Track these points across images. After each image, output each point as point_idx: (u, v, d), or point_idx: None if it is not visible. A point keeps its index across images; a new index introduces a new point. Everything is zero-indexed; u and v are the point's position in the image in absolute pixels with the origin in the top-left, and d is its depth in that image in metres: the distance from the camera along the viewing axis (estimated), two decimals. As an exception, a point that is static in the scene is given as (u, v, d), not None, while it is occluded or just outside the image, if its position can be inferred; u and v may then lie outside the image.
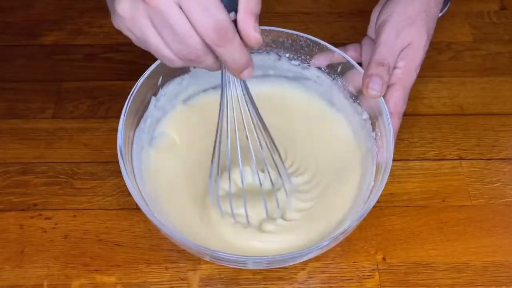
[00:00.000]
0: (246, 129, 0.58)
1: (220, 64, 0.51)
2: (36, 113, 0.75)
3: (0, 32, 0.83)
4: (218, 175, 0.61)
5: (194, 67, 0.70)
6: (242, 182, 0.61)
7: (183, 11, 0.46)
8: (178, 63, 0.51)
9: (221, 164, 0.60)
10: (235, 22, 0.48)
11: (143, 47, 0.51)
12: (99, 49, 0.82)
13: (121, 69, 0.79)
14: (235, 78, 0.54)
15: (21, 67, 0.80)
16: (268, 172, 0.61)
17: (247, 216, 0.61)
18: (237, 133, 0.58)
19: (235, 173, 0.63)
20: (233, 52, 0.49)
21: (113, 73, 0.79)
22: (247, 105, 0.57)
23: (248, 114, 0.58)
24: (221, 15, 0.46)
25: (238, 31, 0.48)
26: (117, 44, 0.82)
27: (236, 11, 0.48)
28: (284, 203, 0.63)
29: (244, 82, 0.56)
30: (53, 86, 0.78)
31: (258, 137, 0.59)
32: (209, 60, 0.50)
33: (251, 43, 0.49)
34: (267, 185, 0.63)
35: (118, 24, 0.50)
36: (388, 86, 0.65)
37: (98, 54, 0.81)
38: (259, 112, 0.59)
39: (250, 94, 0.57)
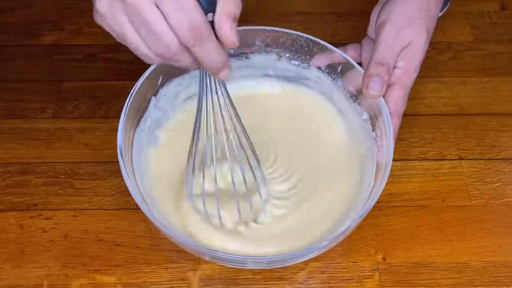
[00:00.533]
0: (223, 129, 0.59)
1: (198, 63, 0.52)
2: (36, 113, 0.75)
3: (0, 32, 0.83)
4: (193, 173, 0.62)
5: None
6: (216, 181, 0.61)
7: (160, 10, 0.47)
8: (156, 60, 0.51)
9: (198, 162, 0.61)
10: (212, 23, 0.49)
11: (123, 44, 0.52)
12: (99, 49, 0.82)
13: (121, 69, 0.79)
14: (214, 79, 0.55)
15: (21, 67, 0.80)
16: (243, 174, 0.61)
17: (219, 216, 0.61)
18: (213, 132, 0.59)
19: (210, 173, 0.63)
20: (208, 52, 0.49)
21: (113, 73, 0.79)
22: (226, 105, 0.58)
23: (227, 115, 0.59)
24: (196, 15, 0.47)
25: (215, 32, 0.49)
26: (117, 44, 0.81)
27: (214, 12, 0.48)
28: (259, 207, 0.64)
29: (223, 82, 0.56)
30: (53, 86, 0.78)
31: (234, 138, 0.60)
32: (186, 59, 0.50)
33: (227, 44, 0.50)
34: (244, 188, 0.62)
35: (98, 20, 0.51)
36: (388, 86, 0.65)
37: (98, 54, 0.81)
38: (237, 114, 0.60)
39: (229, 95, 0.58)
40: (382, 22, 0.67)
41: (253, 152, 0.63)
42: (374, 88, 0.63)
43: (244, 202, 0.62)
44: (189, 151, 0.61)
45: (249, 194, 0.62)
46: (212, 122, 0.59)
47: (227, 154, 0.59)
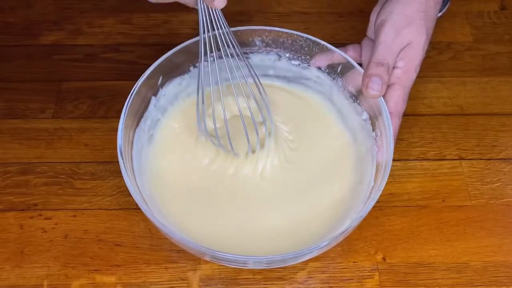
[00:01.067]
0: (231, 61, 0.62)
1: None
2: (36, 113, 0.75)
3: (0, 32, 0.83)
4: (203, 103, 0.64)
5: (194, 67, 0.70)
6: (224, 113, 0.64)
7: None
8: None
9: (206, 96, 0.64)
10: None
11: None
12: (99, 49, 0.82)
13: (121, 69, 0.79)
14: (215, 17, 0.58)
15: (21, 67, 0.80)
16: (249, 106, 0.64)
17: (229, 139, 0.64)
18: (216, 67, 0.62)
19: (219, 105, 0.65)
20: None
21: (113, 73, 0.79)
22: (227, 37, 0.61)
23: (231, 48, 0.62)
24: None
25: None
26: (117, 44, 0.82)
27: None
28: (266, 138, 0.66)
29: (222, 17, 0.59)
30: (53, 86, 0.78)
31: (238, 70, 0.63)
32: None
33: None
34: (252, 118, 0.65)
35: None
36: (388, 86, 0.65)
37: (98, 54, 0.81)
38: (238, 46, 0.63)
39: (229, 29, 0.61)
40: (381, 23, 0.67)
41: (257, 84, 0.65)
42: (374, 88, 0.63)
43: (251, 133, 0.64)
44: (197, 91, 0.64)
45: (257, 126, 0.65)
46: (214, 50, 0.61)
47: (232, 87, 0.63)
